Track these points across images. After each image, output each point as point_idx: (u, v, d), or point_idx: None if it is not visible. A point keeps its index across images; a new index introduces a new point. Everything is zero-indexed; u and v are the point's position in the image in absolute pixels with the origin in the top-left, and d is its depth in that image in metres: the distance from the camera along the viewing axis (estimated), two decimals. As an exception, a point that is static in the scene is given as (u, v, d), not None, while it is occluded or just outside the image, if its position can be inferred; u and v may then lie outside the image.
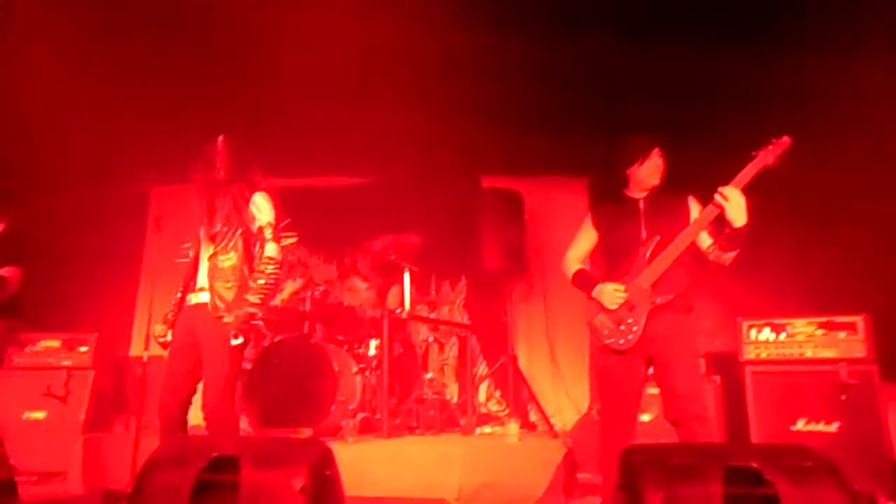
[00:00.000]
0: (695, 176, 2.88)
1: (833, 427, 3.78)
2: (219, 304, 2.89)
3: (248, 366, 4.22)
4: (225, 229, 2.98)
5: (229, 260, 2.95)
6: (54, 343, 5.02)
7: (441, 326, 5.38)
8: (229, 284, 2.93)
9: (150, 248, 5.82)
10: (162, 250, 4.00)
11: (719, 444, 3.22)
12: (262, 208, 3.00)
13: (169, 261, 5.14)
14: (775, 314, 4.13)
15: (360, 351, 4.66)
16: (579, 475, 4.21)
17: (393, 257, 4.72)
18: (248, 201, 3.02)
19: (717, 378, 4.14)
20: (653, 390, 3.25)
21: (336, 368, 4.25)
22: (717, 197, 2.72)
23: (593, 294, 2.91)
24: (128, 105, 4.60)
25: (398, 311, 4.70)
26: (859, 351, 3.83)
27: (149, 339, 3.93)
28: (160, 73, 4.40)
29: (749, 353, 4.10)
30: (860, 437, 3.69)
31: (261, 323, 3.02)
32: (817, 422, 3.81)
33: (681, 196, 2.91)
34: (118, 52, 4.21)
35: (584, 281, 3.00)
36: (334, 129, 4.89)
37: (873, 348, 3.82)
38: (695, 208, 2.89)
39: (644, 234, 2.87)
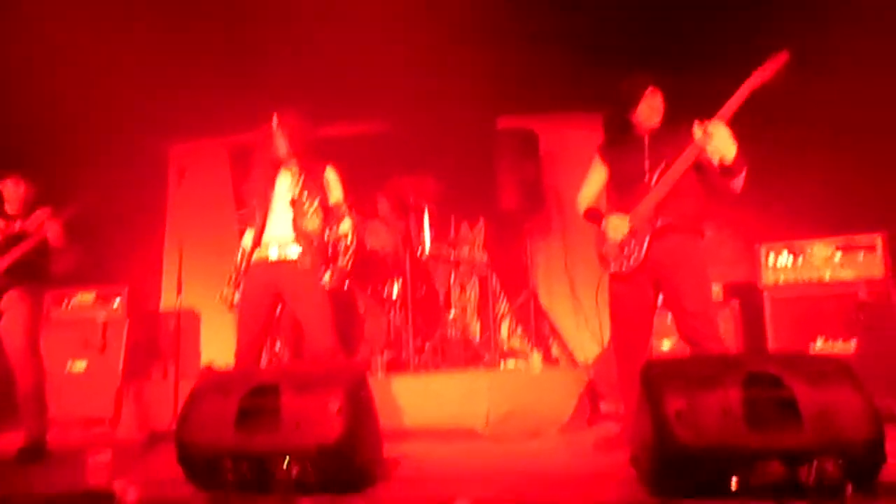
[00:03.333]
0: (706, 98, 2.87)
1: (851, 346, 3.84)
2: (308, 260, 3.29)
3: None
4: (304, 197, 3.32)
5: (311, 224, 3.30)
6: (88, 297, 5.20)
7: (461, 266, 5.47)
8: (315, 244, 3.33)
9: (174, 201, 5.94)
10: (185, 203, 4.11)
11: (738, 354, 3.31)
12: (335, 185, 3.49)
13: (192, 214, 5.29)
14: (794, 239, 4.15)
15: (385, 293, 4.77)
16: (602, 405, 4.35)
17: (412, 199, 4.80)
18: (321, 172, 3.45)
19: (736, 303, 4.21)
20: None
21: (362, 310, 4.37)
22: (696, 136, 2.73)
23: (601, 226, 2.99)
24: (143, 63, 4.63)
25: (418, 252, 4.80)
26: (878, 270, 3.86)
27: (180, 290, 4.09)
28: (173, 26, 4.41)
29: (767, 278, 4.14)
30: (878, 355, 3.74)
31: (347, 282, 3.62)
32: (835, 341, 3.87)
33: (687, 123, 2.92)
34: (130, 10, 4.23)
35: (594, 215, 3.09)
36: (350, 76, 4.89)
37: (892, 267, 3.85)
38: (699, 133, 2.90)
39: (647, 165, 2.92)
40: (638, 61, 3.32)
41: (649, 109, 2.97)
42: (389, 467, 2.72)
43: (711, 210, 3.11)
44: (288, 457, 2.21)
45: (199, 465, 2.34)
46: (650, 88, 2.98)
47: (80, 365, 4.99)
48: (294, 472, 2.22)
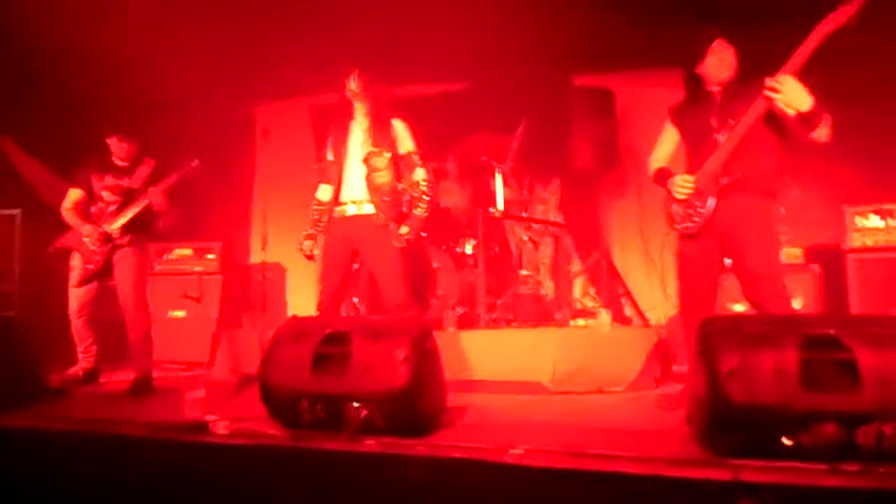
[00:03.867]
0: (785, 55, 2.76)
1: (941, 313, 3.65)
2: (382, 215, 3.42)
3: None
4: (375, 153, 3.44)
5: (383, 177, 3.43)
6: (187, 251, 5.62)
7: (535, 226, 5.51)
8: (387, 199, 3.44)
9: (260, 161, 6.26)
10: (270, 162, 4.34)
11: (798, 314, 3.23)
12: (404, 135, 3.55)
13: (277, 172, 5.56)
14: (884, 202, 3.95)
15: (458, 250, 4.90)
16: (674, 366, 4.34)
17: (485, 158, 4.87)
18: (388, 126, 3.52)
19: (816, 267, 4.07)
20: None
21: (435, 265, 4.52)
22: (766, 92, 2.64)
23: (668, 186, 2.98)
24: (231, 30, 4.87)
25: (491, 210, 4.88)
26: (973, 234, 3.63)
27: (265, 244, 4.37)
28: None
29: (854, 241, 3.98)
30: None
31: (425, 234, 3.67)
32: (924, 308, 3.70)
33: (758, 79, 2.82)
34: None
35: (663, 176, 3.07)
36: (424, 37, 4.95)
37: None
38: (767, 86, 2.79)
39: (715, 123, 2.86)
40: (715, 17, 3.22)
41: (718, 62, 2.90)
42: (453, 415, 2.87)
43: (792, 167, 3.02)
44: (356, 400, 2.39)
45: (279, 404, 2.57)
46: (717, 41, 2.91)
47: (179, 313, 5.44)
48: (362, 414, 2.41)
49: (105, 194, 4.02)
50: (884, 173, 4.19)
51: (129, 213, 3.97)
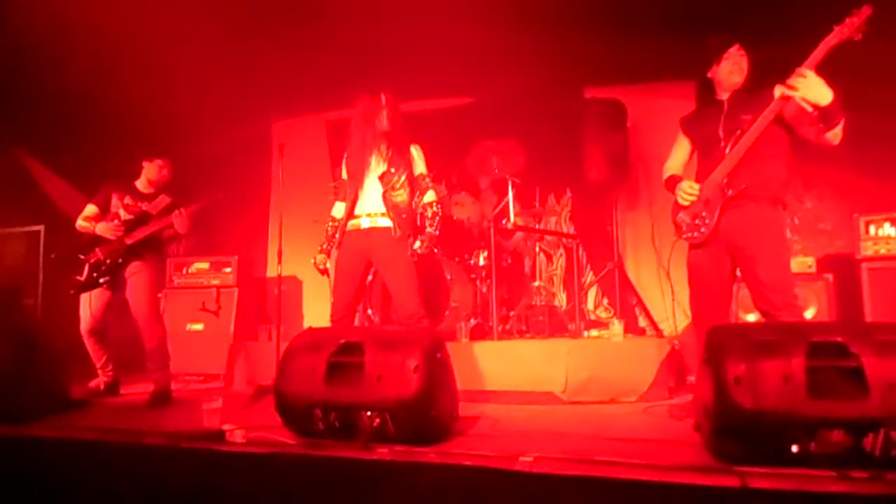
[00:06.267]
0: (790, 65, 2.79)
1: (956, 321, 3.63)
2: (399, 230, 3.57)
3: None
4: (393, 171, 3.61)
5: (400, 196, 3.61)
6: (204, 265, 5.71)
7: (548, 238, 5.54)
8: (404, 216, 3.61)
9: (276, 176, 6.36)
10: (286, 177, 4.40)
11: (805, 322, 3.22)
12: (418, 158, 3.73)
13: (292, 187, 5.65)
14: (896, 210, 3.95)
15: (472, 262, 4.94)
16: (689, 377, 4.33)
17: (497, 171, 4.92)
18: (407, 148, 3.69)
19: (830, 276, 4.06)
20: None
21: (449, 277, 4.57)
22: (785, 88, 2.67)
23: (675, 192, 3.02)
24: (247, 48, 4.98)
25: (504, 222, 4.92)
26: None
27: (281, 258, 4.44)
28: (274, 13, 4.71)
29: (867, 249, 3.98)
30: None
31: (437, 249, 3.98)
32: (937, 316, 3.68)
33: (767, 88, 2.85)
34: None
35: (672, 183, 3.11)
36: (437, 51, 5.02)
37: None
38: (780, 90, 2.82)
39: (723, 132, 2.89)
40: (726, 29, 3.25)
41: (732, 66, 2.95)
42: (465, 424, 2.91)
43: (804, 176, 3.03)
44: (369, 409, 2.44)
45: (294, 413, 2.63)
46: (736, 47, 2.96)
47: (198, 326, 5.53)
48: (375, 422, 2.46)
49: (121, 213, 4.11)
50: (895, 181, 4.18)
51: (146, 231, 4.05)
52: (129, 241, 4.03)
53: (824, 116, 2.68)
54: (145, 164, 4.26)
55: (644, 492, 1.94)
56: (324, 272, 3.72)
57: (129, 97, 4.85)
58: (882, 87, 4.07)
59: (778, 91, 2.79)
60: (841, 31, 2.63)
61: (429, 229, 3.66)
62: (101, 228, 4.03)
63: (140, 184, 4.26)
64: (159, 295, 4.62)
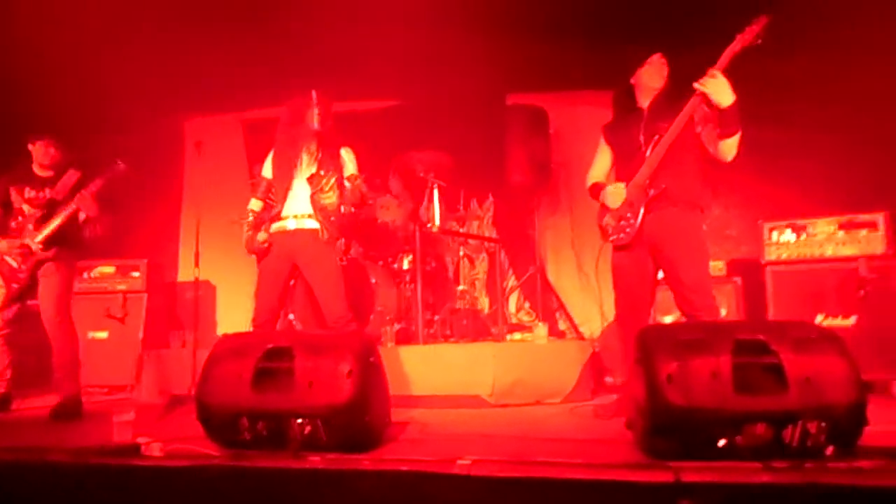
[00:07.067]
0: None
1: (851, 321, 3.93)
2: (327, 233, 3.46)
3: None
4: (322, 173, 3.46)
5: (329, 198, 3.47)
6: (109, 269, 5.37)
7: (471, 241, 5.57)
8: (332, 218, 3.48)
9: (190, 176, 6.07)
10: (201, 178, 4.20)
11: (728, 321, 3.40)
12: (350, 161, 3.61)
13: (208, 188, 5.41)
14: (798, 216, 4.22)
15: (396, 266, 4.89)
16: (606, 378, 4.47)
17: (422, 174, 4.90)
18: (337, 151, 3.57)
19: (738, 279, 4.29)
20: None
21: (374, 281, 4.50)
22: (697, 84, 2.82)
23: (600, 198, 3.10)
24: (159, 38, 4.73)
25: (429, 226, 4.90)
26: (879, 247, 3.93)
27: (198, 261, 4.22)
28: (190, 4, 4.49)
29: (770, 254, 4.22)
30: (877, 330, 3.84)
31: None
32: (835, 316, 3.96)
33: (685, 96, 2.97)
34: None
35: (597, 190, 3.19)
36: (361, 54, 4.96)
37: (894, 244, 3.91)
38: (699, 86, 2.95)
39: (643, 138, 3.00)
40: (646, 40, 3.38)
41: (653, 71, 3.08)
42: (396, 430, 2.86)
43: (713, 184, 3.18)
44: (300, 416, 2.34)
45: (218, 423, 2.48)
46: (658, 55, 3.08)
47: (101, 334, 5.17)
48: (306, 430, 2.36)
49: (25, 207, 3.77)
50: (796, 190, 4.49)
51: (54, 224, 3.73)
52: (40, 242, 3.71)
53: (723, 120, 2.83)
54: (30, 147, 3.89)
55: (582, 490, 1.96)
56: (266, 253, 3.52)
57: (25, 85, 4.49)
58: (784, 103, 4.37)
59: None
60: (742, 38, 2.81)
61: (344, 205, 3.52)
62: (5, 247, 3.72)
63: (36, 169, 3.90)
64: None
